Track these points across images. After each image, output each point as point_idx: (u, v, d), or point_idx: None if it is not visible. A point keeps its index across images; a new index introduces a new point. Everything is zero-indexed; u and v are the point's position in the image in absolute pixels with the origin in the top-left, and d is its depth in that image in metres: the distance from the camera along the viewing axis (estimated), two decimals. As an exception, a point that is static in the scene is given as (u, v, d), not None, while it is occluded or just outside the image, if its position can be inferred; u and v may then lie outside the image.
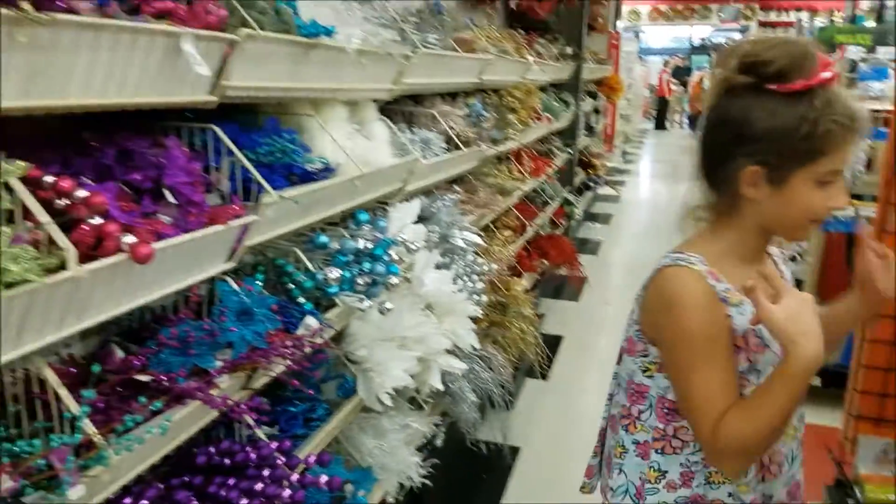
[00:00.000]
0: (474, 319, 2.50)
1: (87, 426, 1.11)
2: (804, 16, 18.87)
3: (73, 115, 1.11)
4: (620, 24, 10.24)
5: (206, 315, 1.55)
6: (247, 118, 1.77)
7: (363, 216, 2.05)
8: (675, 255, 1.27)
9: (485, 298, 2.62)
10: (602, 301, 5.28)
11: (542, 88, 5.22)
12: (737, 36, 19.65)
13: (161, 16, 1.18)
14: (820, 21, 18.21)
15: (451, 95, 3.15)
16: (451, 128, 2.88)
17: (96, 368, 1.20)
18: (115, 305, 1.18)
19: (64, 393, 1.15)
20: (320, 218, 1.85)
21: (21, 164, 1.01)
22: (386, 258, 1.96)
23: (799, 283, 4.13)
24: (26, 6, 0.90)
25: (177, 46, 1.16)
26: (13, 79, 0.95)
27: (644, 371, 1.33)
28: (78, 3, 0.99)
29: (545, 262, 4.94)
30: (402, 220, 2.26)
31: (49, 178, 1.11)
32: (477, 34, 3.31)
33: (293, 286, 1.79)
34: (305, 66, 1.61)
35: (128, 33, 1.06)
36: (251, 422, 1.67)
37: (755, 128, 1.15)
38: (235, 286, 1.56)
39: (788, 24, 19.72)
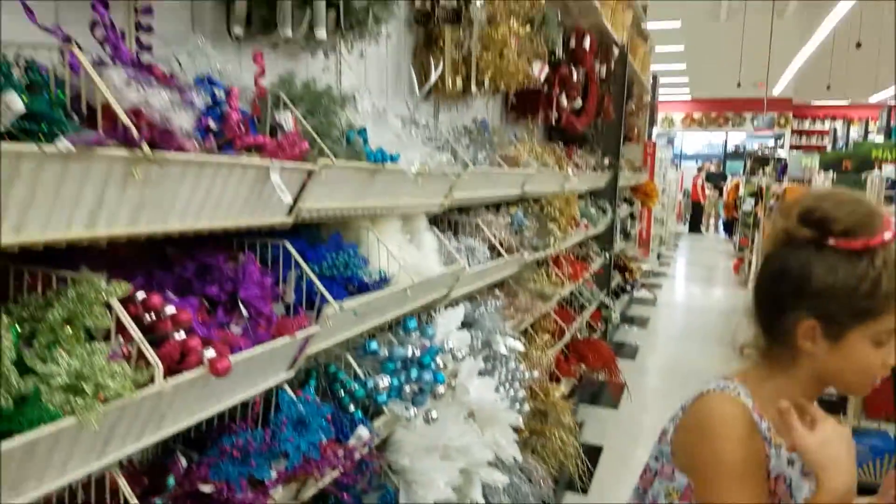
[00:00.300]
0: (516, 429, 2.50)
1: (155, 535, 1.15)
2: (838, 125, 19.18)
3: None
4: (654, 132, 10.54)
5: (262, 422, 1.61)
6: (310, 232, 1.88)
7: (412, 324, 2.12)
8: (722, 382, 1.28)
9: (527, 407, 2.62)
10: (641, 408, 5.18)
11: (581, 196, 5.37)
12: (770, 143, 19.99)
13: (250, 149, 1.31)
14: (855, 130, 18.48)
15: (496, 206, 3.28)
16: (494, 236, 2.98)
17: (171, 482, 1.25)
18: (190, 416, 1.25)
19: (135, 502, 1.19)
20: (374, 325, 1.92)
21: (124, 285, 1.10)
22: (433, 366, 2.01)
23: (844, 400, 4.01)
24: (145, 148, 1.02)
25: (265, 176, 1.28)
26: (125, 210, 1.07)
27: (666, 496, 1.32)
28: (185, 141, 1.11)
29: (583, 366, 4.91)
30: (447, 327, 2.31)
31: (140, 295, 1.21)
32: (521, 149, 3.47)
33: (344, 394, 1.84)
34: (370, 187, 1.73)
35: (226, 167, 1.18)
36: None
37: (815, 283, 1.17)
38: (293, 395, 1.62)
39: (822, 133, 20.03)
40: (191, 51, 1.45)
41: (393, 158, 1.72)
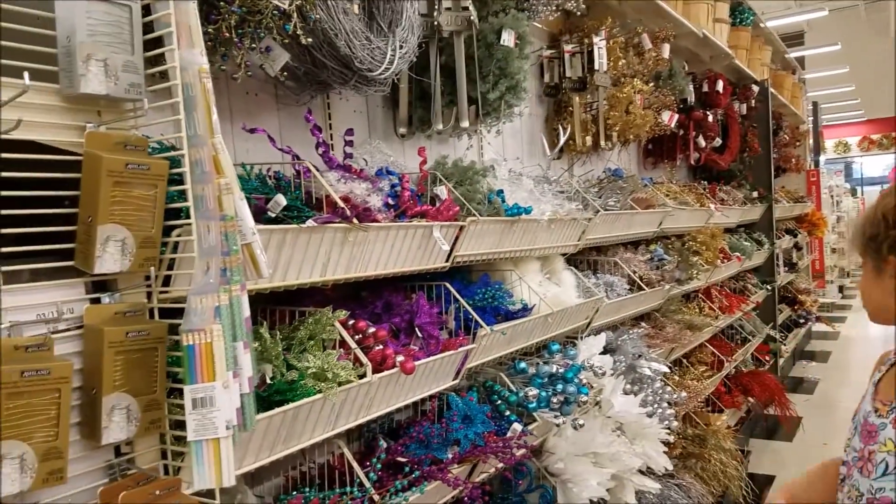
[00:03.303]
0: (667, 444, 2.76)
1: (372, 490, 1.65)
2: None
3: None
4: (822, 159, 10.04)
5: (437, 419, 2.09)
6: (462, 274, 2.39)
7: (555, 346, 2.52)
8: None
9: (676, 424, 2.86)
10: (819, 442, 5.02)
11: (731, 230, 5.45)
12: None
13: (418, 215, 1.85)
14: None
15: (634, 244, 3.60)
16: (634, 271, 3.31)
17: (383, 456, 1.76)
18: (388, 405, 1.76)
19: (356, 465, 1.72)
20: (520, 348, 2.35)
21: (343, 312, 1.65)
22: (576, 381, 2.38)
23: None
24: (355, 222, 1.57)
25: (429, 234, 1.80)
26: (342, 263, 1.62)
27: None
28: (377, 214, 1.66)
29: (750, 399, 4.90)
30: (589, 351, 2.68)
31: (351, 321, 1.76)
32: (656, 191, 3.78)
33: (500, 402, 2.27)
34: (509, 235, 2.20)
35: (403, 229, 1.72)
36: (472, 513, 2.12)
37: None
38: (458, 398, 2.09)
39: None
40: (370, 150, 2.05)
41: (527, 211, 2.18)
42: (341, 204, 1.55)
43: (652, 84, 3.78)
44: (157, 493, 1.05)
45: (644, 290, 3.25)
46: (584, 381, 2.44)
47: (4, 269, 0.96)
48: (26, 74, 0.89)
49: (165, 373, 1.11)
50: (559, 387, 2.34)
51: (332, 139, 2.06)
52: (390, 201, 1.81)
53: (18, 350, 0.93)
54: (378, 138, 2.22)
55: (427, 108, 2.16)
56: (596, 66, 3.15)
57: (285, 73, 1.58)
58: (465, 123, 2.14)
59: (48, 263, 1.01)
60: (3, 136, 0.94)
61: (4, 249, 0.95)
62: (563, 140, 3.00)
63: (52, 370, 0.93)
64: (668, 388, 3.08)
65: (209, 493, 1.14)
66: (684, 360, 4.14)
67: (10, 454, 0.90)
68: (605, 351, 2.83)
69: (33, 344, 0.93)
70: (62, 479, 0.96)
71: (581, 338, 2.74)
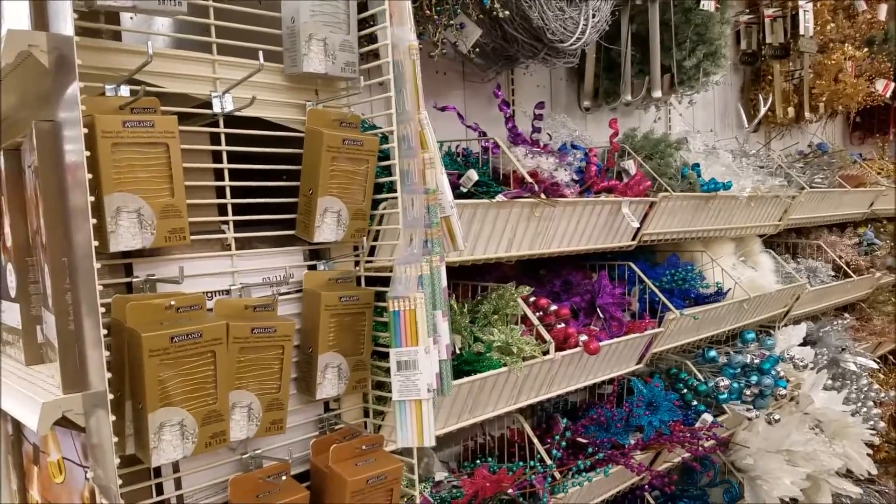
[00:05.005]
0: (871, 446, 2.47)
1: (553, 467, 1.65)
2: None
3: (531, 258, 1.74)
4: None
5: (617, 405, 2.02)
6: (646, 256, 2.28)
7: (750, 335, 2.33)
8: None
9: (882, 425, 2.56)
10: None
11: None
12: None
13: (605, 190, 1.78)
14: None
15: (839, 226, 3.23)
16: (840, 256, 2.97)
17: (568, 434, 1.74)
18: (568, 384, 1.73)
19: (537, 441, 1.71)
20: (709, 335, 2.21)
21: (527, 288, 1.65)
22: (773, 373, 2.20)
23: None
24: (543, 196, 1.55)
25: (616, 210, 1.73)
26: (526, 239, 1.61)
27: None
28: (565, 189, 1.63)
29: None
30: (787, 342, 2.45)
31: (532, 298, 1.75)
32: (867, 167, 3.36)
33: (686, 391, 2.15)
34: (703, 213, 2.06)
35: (590, 205, 1.67)
36: (653, 502, 2.05)
37: None
38: (642, 383, 2.01)
39: None
40: (554, 125, 2.01)
41: (725, 186, 2.03)
42: (529, 179, 1.53)
43: (865, 50, 3.36)
44: (363, 447, 1.11)
45: (851, 277, 2.91)
46: (782, 373, 2.25)
47: (236, 235, 1.06)
48: (261, 54, 0.97)
49: (371, 337, 1.17)
50: (753, 378, 2.17)
51: (514, 115, 2.05)
52: (575, 177, 1.76)
53: (248, 309, 1.02)
54: (561, 113, 2.17)
55: (613, 79, 2.07)
56: (800, 31, 2.85)
57: (476, 49, 1.59)
58: (658, 93, 2.03)
59: (270, 232, 1.10)
60: (235, 114, 1.03)
61: (236, 218, 1.05)
62: (763, 111, 2.76)
63: (278, 328, 1.01)
64: (875, 386, 2.75)
65: (405, 452, 1.20)
66: (891, 357, 3.68)
67: (241, 402, 0.99)
68: (804, 343, 2.58)
69: (261, 304, 1.02)
70: (282, 429, 1.04)
71: (778, 327, 2.52)
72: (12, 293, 1.16)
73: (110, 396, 0.81)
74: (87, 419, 0.89)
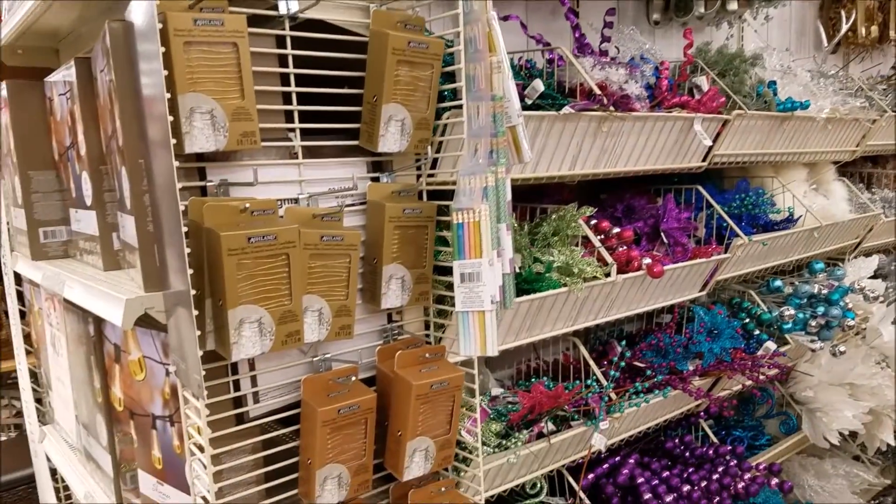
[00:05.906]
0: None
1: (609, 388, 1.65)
2: None
3: (591, 180, 1.69)
4: None
5: (677, 332, 2.00)
6: (713, 181, 2.19)
7: (819, 266, 2.25)
8: None
9: (954, 363, 2.46)
10: None
11: None
12: None
13: (676, 106, 1.70)
14: None
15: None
16: (920, 188, 2.81)
17: (627, 354, 1.73)
18: (628, 308, 1.71)
19: (593, 363, 1.71)
20: (776, 264, 2.14)
21: (588, 209, 1.61)
22: (842, 304, 2.12)
23: None
24: (611, 110, 1.49)
25: (688, 127, 1.66)
26: (592, 157, 1.56)
27: None
28: (636, 103, 1.56)
29: None
30: (857, 274, 2.36)
31: (593, 221, 1.71)
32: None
33: (749, 320, 2.10)
34: (777, 135, 1.96)
35: (661, 120, 1.60)
36: (707, 429, 2.04)
37: None
38: (703, 310, 1.97)
39: None
40: (622, 38, 1.91)
41: (803, 106, 1.92)
42: (597, 91, 1.47)
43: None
44: (426, 356, 1.13)
45: (931, 209, 2.76)
46: (850, 305, 2.17)
47: (303, 143, 1.05)
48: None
49: (433, 251, 1.17)
50: (820, 309, 2.11)
51: (579, 27, 1.96)
52: (644, 92, 1.69)
53: (316, 218, 1.03)
54: (629, 26, 2.07)
55: (689, -9, 1.95)
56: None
57: (544, -45, 1.52)
58: (734, 6, 1.91)
59: (335, 142, 1.09)
60: (300, 15, 1.01)
61: (302, 126, 1.04)
62: (844, 29, 2.57)
63: (345, 237, 1.01)
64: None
65: (466, 364, 1.21)
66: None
67: (312, 307, 1.01)
68: (875, 276, 2.48)
69: (328, 213, 1.02)
70: (350, 334, 1.06)
71: (848, 259, 2.43)
72: (88, 201, 1.20)
73: (193, 292, 0.83)
74: (168, 317, 0.92)
